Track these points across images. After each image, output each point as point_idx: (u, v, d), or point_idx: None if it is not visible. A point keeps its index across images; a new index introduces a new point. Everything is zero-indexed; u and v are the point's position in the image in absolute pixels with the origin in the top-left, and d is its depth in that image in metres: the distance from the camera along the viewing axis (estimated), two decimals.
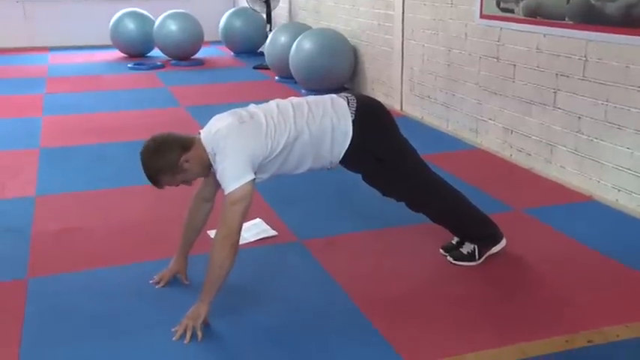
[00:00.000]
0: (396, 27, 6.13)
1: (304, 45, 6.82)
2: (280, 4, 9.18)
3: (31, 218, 3.64)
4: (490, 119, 4.88)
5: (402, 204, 3.00)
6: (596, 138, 3.88)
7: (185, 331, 2.44)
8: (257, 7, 9.04)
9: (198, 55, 9.50)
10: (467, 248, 3.04)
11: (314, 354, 2.38)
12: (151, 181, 2.61)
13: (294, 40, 7.00)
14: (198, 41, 9.33)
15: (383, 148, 2.81)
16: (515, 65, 4.53)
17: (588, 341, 2.43)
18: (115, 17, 9.57)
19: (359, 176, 2.95)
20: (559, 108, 4.16)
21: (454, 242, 3.13)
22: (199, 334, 2.44)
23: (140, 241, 3.36)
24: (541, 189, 4.10)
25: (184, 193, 2.81)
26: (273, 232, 3.41)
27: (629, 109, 3.62)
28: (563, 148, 4.15)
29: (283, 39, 7.45)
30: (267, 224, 3.49)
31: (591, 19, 3.80)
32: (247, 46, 9.79)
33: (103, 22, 9.80)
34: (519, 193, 4.00)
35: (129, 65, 8.90)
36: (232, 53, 10.04)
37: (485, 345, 2.41)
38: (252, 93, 7.00)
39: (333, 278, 2.94)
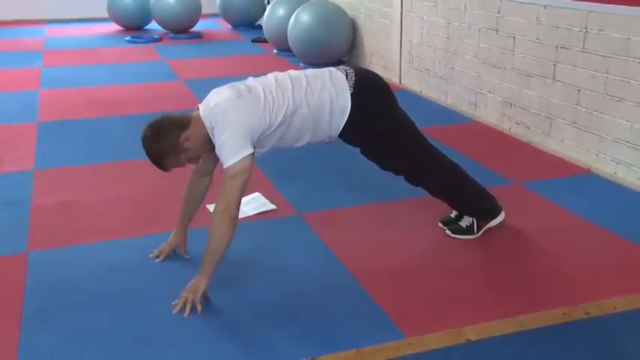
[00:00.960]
0: None
1: (302, 18, 6.77)
2: None
3: (30, 192, 3.64)
4: (489, 92, 4.86)
5: (401, 178, 3.00)
6: (596, 111, 3.86)
7: (185, 305, 2.46)
8: None
9: (196, 29, 9.45)
10: (465, 222, 3.05)
11: (313, 326, 2.39)
12: (157, 166, 2.60)
13: (293, 13, 6.95)
14: (195, 14, 9.26)
15: (381, 122, 2.80)
16: (514, 37, 4.50)
17: (586, 313, 2.44)
18: None
19: (358, 150, 2.94)
20: (558, 80, 4.14)
21: (452, 216, 3.13)
22: (199, 307, 2.46)
23: (139, 215, 3.36)
24: (540, 162, 4.10)
25: (185, 168, 2.80)
26: (272, 206, 3.41)
27: (629, 82, 3.60)
28: (562, 121, 4.14)
29: (281, 12, 7.40)
30: (267, 198, 3.49)
31: None
32: (245, 19, 9.73)
33: None
34: (518, 167, 4.00)
35: (126, 38, 8.85)
36: (230, 26, 9.98)
37: (484, 317, 2.42)
38: (250, 66, 6.97)
39: (332, 251, 2.95)
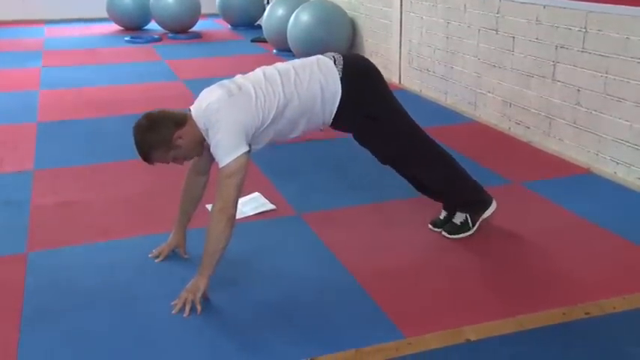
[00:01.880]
0: None
1: (302, 17, 6.77)
2: None
3: (30, 192, 3.64)
4: (489, 92, 4.86)
5: (402, 179, 2.99)
6: (595, 110, 3.86)
7: (184, 305, 2.46)
8: None
9: (196, 29, 9.44)
10: (459, 218, 3.03)
11: (312, 326, 2.39)
12: (142, 157, 2.59)
13: (292, 13, 6.95)
14: (195, 14, 9.26)
15: (371, 104, 2.78)
16: (514, 37, 4.50)
17: (585, 313, 2.44)
18: None
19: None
20: (558, 80, 4.14)
21: (442, 217, 3.11)
22: (198, 307, 2.46)
23: (139, 215, 3.36)
24: (539, 162, 4.10)
25: (184, 167, 2.80)
26: (272, 206, 3.41)
27: (628, 81, 3.60)
28: (562, 120, 4.14)
29: (281, 11, 7.40)
30: (266, 198, 3.49)
31: None
32: (245, 19, 9.72)
33: None
34: (518, 166, 4.00)
35: (126, 38, 8.84)
36: (230, 26, 9.97)
37: (483, 317, 2.42)
38: (250, 66, 6.88)
39: (332, 251, 2.95)
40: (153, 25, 9.63)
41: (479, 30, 4.89)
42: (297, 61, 2.77)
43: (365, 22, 6.82)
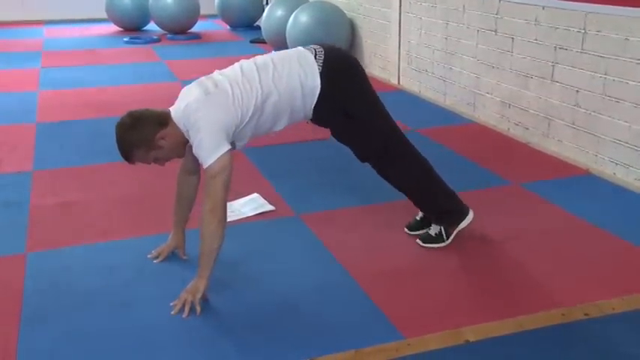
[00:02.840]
0: (393, 0, 6.09)
1: (301, 18, 6.77)
2: None
3: (29, 193, 3.64)
4: (488, 93, 4.87)
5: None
6: (594, 111, 3.87)
7: (184, 305, 2.46)
8: None
9: (195, 29, 9.44)
10: (434, 230, 2.98)
11: (312, 327, 2.39)
12: (123, 156, 2.58)
13: (291, 14, 6.95)
14: (194, 15, 9.26)
15: (350, 100, 2.74)
16: (513, 38, 4.51)
17: (585, 314, 2.44)
18: None
19: None
20: (557, 81, 4.14)
21: (418, 218, 3.08)
22: (198, 308, 2.46)
23: (138, 216, 3.36)
24: (538, 163, 4.10)
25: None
26: (271, 207, 3.41)
27: (627, 82, 3.61)
28: (561, 121, 4.15)
29: (280, 12, 7.40)
30: (265, 199, 3.49)
31: None
32: (244, 20, 9.72)
33: None
34: (517, 167, 4.00)
35: (125, 39, 8.84)
36: (229, 27, 9.97)
37: (483, 318, 2.42)
38: None
39: (331, 252, 2.95)
40: (152, 26, 9.63)
41: (478, 31, 4.89)
42: (276, 54, 2.73)
43: (364, 23, 6.83)
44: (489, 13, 4.73)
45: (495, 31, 4.69)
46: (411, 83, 6.02)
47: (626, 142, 3.66)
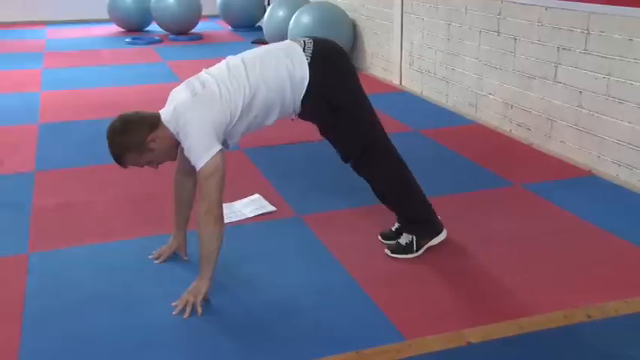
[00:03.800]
0: (395, 0, 6.08)
1: (303, 19, 6.76)
2: None
3: (31, 193, 3.64)
4: (490, 94, 4.86)
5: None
6: (597, 112, 3.86)
7: (185, 306, 2.46)
8: None
9: (197, 30, 9.44)
10: (404, 239, 2.92)
11: (313, 328, 2.39)
12: (115, 160, 2.57)
13: (293, 14, 6.94)
14: (196, 16, 9.27)
15: (337, 94, 2.69)
16: (515, 39, 4.50)
17: (587, 316, 2.44)
18: None
19: None
20: (560, 82, 4.13)
21: (393, 229, 3.03)
22: (199, 309, 2.45)
23: (140, 217, 3.36)
24: (541, 164, 4.09)
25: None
26: (272, 208, 3.41)
27: (631, 83, 3.60)
28: (564, 122, 4.14)
29: (281, 13, 7.39)
30: (266, 200, 3.49)
31: None
32: (245, 21, 9.72)
33: None
34: (519, 168, 4.00)
35: (126, 40, 8.84)
36: (230, 28, 9.97)
37: (484, 320, 2.42)
38: None
39: (332, 253, 2.94)
40: (154, 27, 9.63)
41: (480, 31, 4.88)
42: (264, 47, 2.71)
43: (366, 24, 6.82)
44: (492, 14, 4.72)
45: (498, 31, 4.68)
46: (413, 84, 6.01)
47: (630, 143, 3.66)
